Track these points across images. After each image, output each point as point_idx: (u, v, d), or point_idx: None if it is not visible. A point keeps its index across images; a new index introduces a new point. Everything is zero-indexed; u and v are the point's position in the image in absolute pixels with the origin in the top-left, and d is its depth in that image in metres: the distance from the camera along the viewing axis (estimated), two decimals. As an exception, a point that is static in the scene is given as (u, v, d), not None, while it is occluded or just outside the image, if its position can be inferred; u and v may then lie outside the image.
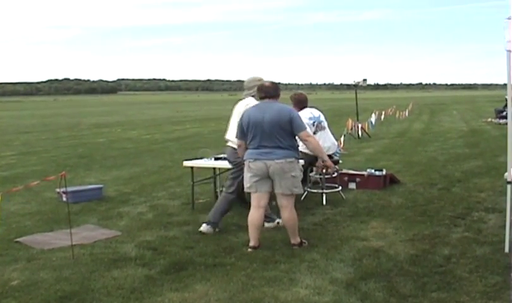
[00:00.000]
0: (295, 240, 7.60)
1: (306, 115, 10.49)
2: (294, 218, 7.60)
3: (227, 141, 8.90)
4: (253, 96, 8.64)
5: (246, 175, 7.64)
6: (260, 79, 8.62)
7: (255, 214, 7.62)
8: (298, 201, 9.81)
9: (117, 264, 6.91)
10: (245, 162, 7.65)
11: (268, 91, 7.72)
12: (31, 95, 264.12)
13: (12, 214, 9.91)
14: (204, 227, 8.42)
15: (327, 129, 10.78)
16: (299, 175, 7.70)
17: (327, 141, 10.54)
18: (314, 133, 10.26)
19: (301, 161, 10.05)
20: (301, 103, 10.75)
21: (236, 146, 8.18)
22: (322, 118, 10.75)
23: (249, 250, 7.45)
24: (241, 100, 8.95)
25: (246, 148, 7.70)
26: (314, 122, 10.46)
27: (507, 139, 7.07)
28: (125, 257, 7.19)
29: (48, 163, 17.74)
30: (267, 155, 7.44)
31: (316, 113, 10.67)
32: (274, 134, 7.43)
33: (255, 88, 8.24)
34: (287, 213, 7.58)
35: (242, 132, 7.72)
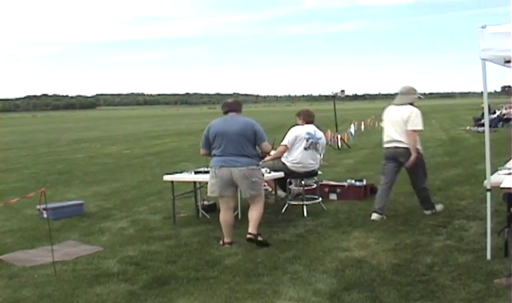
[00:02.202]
0: (254, 230, 8.24)
1: (307, 130, 10.55)
2: (260, 213, 8.43)
3: (389, 141, 9.89)
4: (410, 103, 9.85)
5: (211, 181, 8.51)
6: (414, 89, 10.14)
7: (226, 215, 8.49)
8: (278, 213, 9.90)
9: (99, 280, 6.87)
10: (211, 168, 8.48)
11: (232, 106, 8.68)
12: (9, 112, 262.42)
13: (-8, 232, 9.81)
14: (374, 216, 9.65)
15: (319, 152, 10.77)
16: (260, 180, 8.59)
17: (311, 160, 10.51)
18: (305, 149, 10.37)
19: (281, 173, 10.16)
20: (309, 118, 10.81)
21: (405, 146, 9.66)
22: (321, 141, 10.73)
23: (226, 246, 8.27)
24: (391, 105, 10.13)
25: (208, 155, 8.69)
26: (309, 139, 10.45)
27: (485, 147, 7.13)
28: (107, 273, 7.15)
29: (28, 179, 17.62)
30: (232, 163, 8.27)
31: (318, 134, 10.67)
32: (240, 143, 8.30)
33: (413, 96, 10.00)
34: (255, 211, 8.40)
35: (207, 142, 8.59)
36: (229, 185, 8.38)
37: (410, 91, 10.02)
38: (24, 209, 11.50)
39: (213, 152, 8.46)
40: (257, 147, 8.51)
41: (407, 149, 9.65)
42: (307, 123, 10.69)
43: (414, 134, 9.66)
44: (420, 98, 10.26)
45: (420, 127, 9.67)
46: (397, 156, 9.84)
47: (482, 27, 6.75)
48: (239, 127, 8.35)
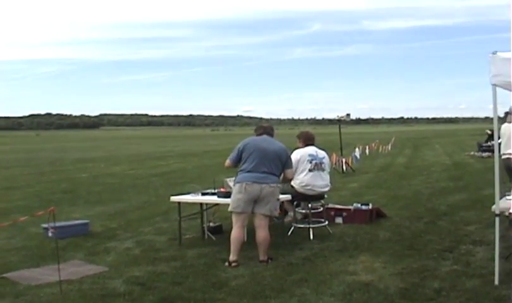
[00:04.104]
0: (264, 257, 8.50)
1: (309, 152, 10.68)
2: (269, 237, 8.60)
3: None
4: None
5: (236, 196, 8.60)
6: None
7: (240, 233, 8.60)
8: (285, 236, 9.89)
9: (105, 300, 6.85)
10: (239, 184, 8.59)
11: (267, 129, 9.21)
12: (13, 130, 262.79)
13: (-3, 250, 9.80)
14: None
15: (326, 171, 10.82)
16: (279, 201, 9.07)
17: (319, 181, 10.57)
18: (310, 170, 10.49)
19: (289, 196, 10.18)
20: (308, 140, 10.96)
21: None
22: (325, 160, 10.81)
23: (233, 264, 8.30)
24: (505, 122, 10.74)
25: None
26: (313, 160, 10.52)
27: (494, 172, 7.12)
28: (114, 293, 7.13)
29: (32, 198, 17.60)
30: (263, 179, 8.53)
31: (321, 154, 10.77)
32: (274, 162, 8.68)
33: None
34: (265, 233, 8.59)
35: (238, 156, 8.81)
36: (252, 202, 8.57)
37: None
38: (29, 228, 11.47)
39: (243, 167, 8.70)
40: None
41: None
42: (307, 145, 10.77)
43: None
44: None
45: None
46: None
47: (493, 53, 6.80)
48: (277, 148, 8.82)
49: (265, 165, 8.59)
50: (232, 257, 8.40)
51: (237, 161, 8.82)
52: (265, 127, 9.30)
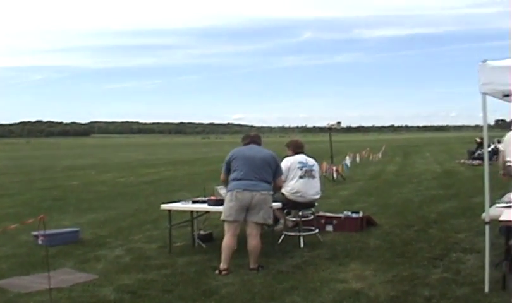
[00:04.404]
0: (255, 265, 8.53)
1: (299, 159, 10.69)
2: (259, 246, 8.63)
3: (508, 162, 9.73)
4: None
5: (228, 205, 8.61)
6: None
7: (232, 241, 8.59)
8: (275, 244, 9.88)
9: (95, 308, 6.83)
10: (230, 192, 8.64)
11: (254, 138, 9.26)
12: (3, 137, 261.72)
13: (-14, 258, 9.75)
14: None
15: (317, 179, 10.84)
16: (271, 208, 8.98)
17: (309, 188, 10.57)
18: (301, 177, 10.49)
19: (279, 204, 10.19)
20: (298, 148, 10.99)
21: None
22: (315, 168, 10.83)
23: (224, 273, 8.29)
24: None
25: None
26: (303, 167, 10.54)
27: (484, 180, 7.15)
28: (104, 301, 7.11)
29: (22, 205, 17.55)
30: (254, 187, 8.55)
31: (310, 161, 10.77)
32: (263, 169, 8.73)
33: None
34: (257, 241, 8.61)
35: (228, 168, 8.87)
36: (243, 210, 8.58)
37: None
38: (19, 235, 11.43)
39: (233, 176, 8.72)
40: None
41: None
42: (296, 153, 10.80)
43: None
44: None
45: None
46: None
47: (483, 62, 6.83)
48: (265, 155, 8.89)
49: (255, 172, 8.64)
50: (222, 266, 8.39)
51: (228, 172, 8.88)
52: (252, 136, 9.36)
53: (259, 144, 9.23)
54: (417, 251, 9.47)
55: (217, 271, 8.34)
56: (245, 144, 9.17)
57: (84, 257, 9.72)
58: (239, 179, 8.61)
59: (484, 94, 6.95)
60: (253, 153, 8.87)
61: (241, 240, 9.04)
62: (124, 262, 9.33)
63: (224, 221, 8.73)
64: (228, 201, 8.65)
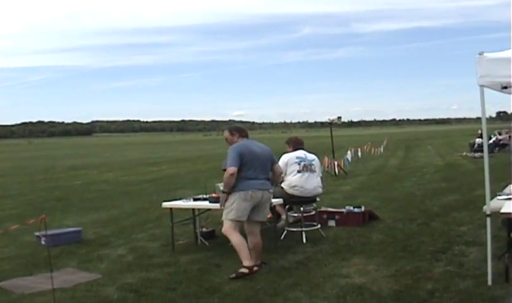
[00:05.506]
0: (257, 261, 8.30)
1: (297, 155, 10.72)
2: (261, 243, 8.49)
3: None
4: None
5: (242, 204, 8.22)
6: None
7: (257, 239, 8.42)
8: (277, 239, 9.89)
9: (99, 308, 6.83)
10: (244, 192, 8.21)
11: (246, 133, 8.77)
12: (5, 138, 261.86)
13: (-11, 259, 9.76)
14: None
15: (316, 173, 10.83)
16: None
17: (308, 182, 10.56)
18: (299, 172, 10.51)
19: (280, 200, 10.19)
20: (298, 145, 11.02)
21: None
22: (315, 162, 10.84)
23: (255, 269, 8.05)
24: None
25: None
26: (301, 162, 10.54)
27: (484, 172, 7.13)
28: (107, 300, 7.11)
29: (24, 206, 17.57)
30: (263, 185, 8.40)
31: (310, 156, 10.79)
32: (267, 166, 8.56)
33: None
34: (258, 238, 8.46)
35: (241, 161, 8.25)
36: (251, 209, 8.35)
37: None
38: (22, 236, 11.45)
39: (246, 174, 8.26)
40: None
41: None
42: (296, 149, 10.81)
43: None
44: None
45: None
46: None
47: (480, 54, 6.80)
48: (266, 151, 8.63)
49: (262, 170, 8.43)
50: (250, 263, 8.05)
51: (240, 165, 8.27)
52: (244, 130, 8.86)
53: (248, 138, 8.81)
54: (420, 245, 9.46)
55: (246, 270, 7.95)
56: (241, 138, 8.65)
57: (87, 257, 9.72)
58: (254, 178, 8.29)
59: (482, 86, 6.92)
60: (259, 149, 8.53)
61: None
62: (127, 261, 9.32)
63: (232, 220, 8.29)
64: (242, 200, 8.23)
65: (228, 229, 8.28)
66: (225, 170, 8.34)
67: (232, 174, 8.19)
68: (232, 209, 8.24)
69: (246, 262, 8.01)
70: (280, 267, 8.44)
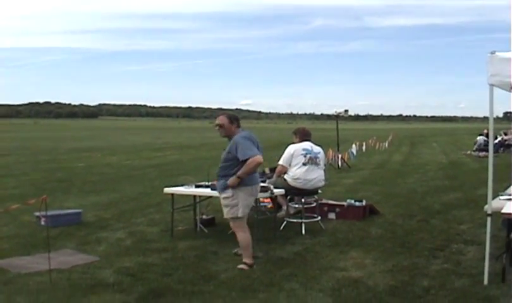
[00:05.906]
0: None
1: (303, 146, 10.67)
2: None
3: None
4: None
5: (249, 199, 8.08)
6: None
7: (248, 234, 8.07)
8: (276, 230, 9.89)
9: (94, 290, 6.84)
10: (250, 187, 8.00)
11: (239, 122, 8.31)
12: (11, 117, 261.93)
13: (-11, 237, 9.78)
14: None
15: (321, 166, 10.81)
16: None
17: (312, 175, 10.52)
18: (304, 164, 10.46)
19: (282, 190, 10.18)
20: (305, 136, 10.95)
21: None
22: (320, 155, 10.80)
23: (254, 266, 7.85)
24: None
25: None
26: (307, 154, 10.51)
27: (488, 172, 7.11)
28: (103, 283, 7.12)
29: (26, 186, 17.58)
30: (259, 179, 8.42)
31: (316, 149, 10.75)
32: None
33: None
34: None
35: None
36: None
37: None
38: (22, 216, 11.46)
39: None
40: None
41: None
42: (303, 141, 10.75)
43: None
44: None
45: None
46: None
47: (491, 53, 6.76)
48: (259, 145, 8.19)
49: None
50: (251, 261, 7.92)
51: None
52: (239, 120, 8.37)
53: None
54: (418, 241, 9.45)
55: (246, 267, 7.81)
56: (238, 128, 8.20)
57: (85, 239, 9.73)
58: (255, 172, 8.17)
59: (492, 85, 6.89)
60: (256, 141, 8.18)
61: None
62: (125, 245, 9.34)
63: (242, 218, 8.06)
64: (248, 196, 8.05)
65: (238, 227, 8.06)
66: (226, 161, 8.06)
67: (261, 163, 7.97)
68: (240, 207, 7.96)
69: (249, 260, 7.94)
70: (278, 257, 8.45)
